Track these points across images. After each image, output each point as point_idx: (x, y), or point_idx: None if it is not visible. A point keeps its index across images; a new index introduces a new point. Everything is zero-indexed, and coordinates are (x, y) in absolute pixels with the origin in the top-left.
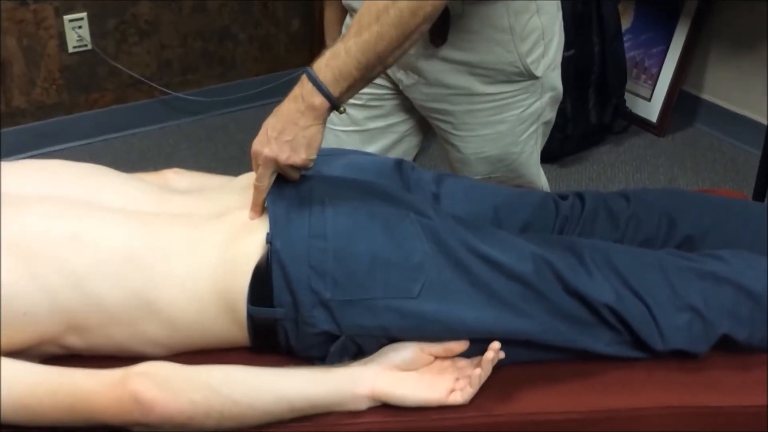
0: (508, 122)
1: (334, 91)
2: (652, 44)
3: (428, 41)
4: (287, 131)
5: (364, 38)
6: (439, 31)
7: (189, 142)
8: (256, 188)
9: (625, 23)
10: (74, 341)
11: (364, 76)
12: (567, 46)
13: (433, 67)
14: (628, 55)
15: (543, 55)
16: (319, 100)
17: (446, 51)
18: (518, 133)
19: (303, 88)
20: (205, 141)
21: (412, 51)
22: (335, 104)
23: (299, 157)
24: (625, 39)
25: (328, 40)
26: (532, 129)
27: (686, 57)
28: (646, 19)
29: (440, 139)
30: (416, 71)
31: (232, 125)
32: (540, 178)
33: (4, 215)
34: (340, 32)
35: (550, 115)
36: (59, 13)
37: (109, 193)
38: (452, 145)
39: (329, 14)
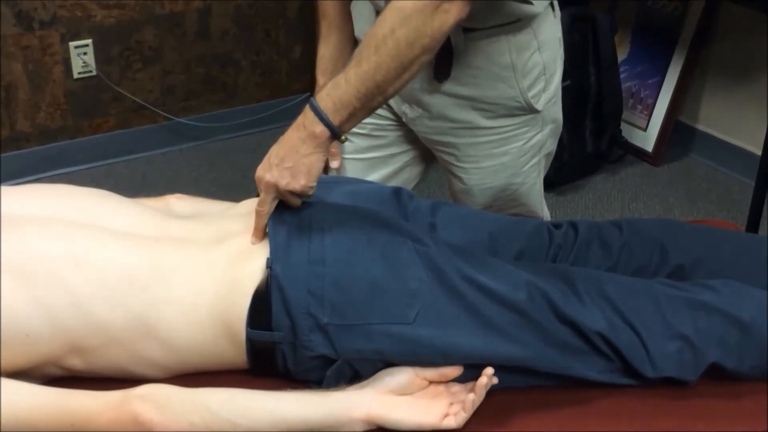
0: (510, 154)
1: (335, 120)
2: (648, 75)
3: (432, 77)
4: (288, 158)
5: (364, 68)
6: (443, 67)
7: (191, 167)
8: (258, 213)
9: (622, 54)
10: (75, 363)
11: (364, 106)
12: (564, 76)
13: (437, 102)
14: (625, 85)
15: (544, 89)
16: (319, 128)
17: (450, 86)
18: (520, 164)
19: (305, 117)
20: (206, 166)
21: (416, 85)
22: (336, 133)
23: (298, 183)
24: (621, 70)
25: (318, 76)
26: (534, 161)
27: (681, 88)
28: (643, 50)
29: (445, 170)
30: (420, 105)
31: (233, 150)
32: (542, 208)
33: (5, 237)
34: (333, 68)
35: (552, 146)
36: (65, 40)
37: (112, 217)
38: (456, 176)
39: (323, 50)
